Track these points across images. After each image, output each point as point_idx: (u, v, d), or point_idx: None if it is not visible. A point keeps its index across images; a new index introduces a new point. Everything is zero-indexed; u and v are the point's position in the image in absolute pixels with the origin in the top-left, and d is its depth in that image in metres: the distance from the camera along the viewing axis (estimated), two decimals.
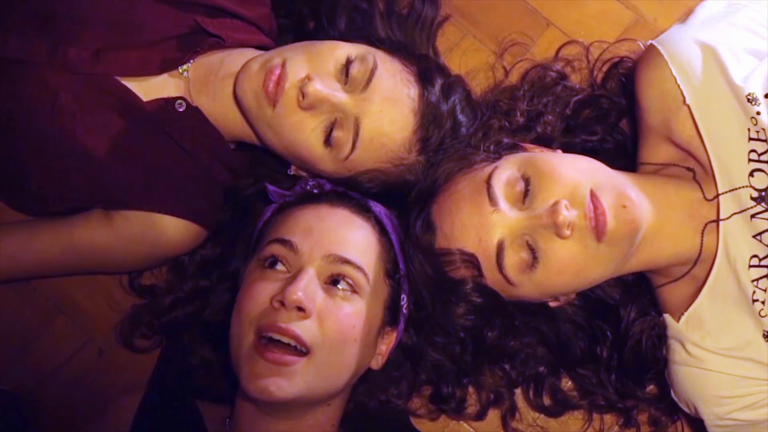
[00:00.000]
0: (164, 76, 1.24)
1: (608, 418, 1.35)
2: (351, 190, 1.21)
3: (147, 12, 1.24)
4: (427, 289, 1.16)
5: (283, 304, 1.02)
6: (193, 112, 1.23)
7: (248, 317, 1.05)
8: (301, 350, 1.03)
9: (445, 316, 1.17)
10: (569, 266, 1.09)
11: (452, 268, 1.13)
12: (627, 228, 1.08)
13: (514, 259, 1.09)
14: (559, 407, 1.33)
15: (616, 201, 1.07)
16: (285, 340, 1.02)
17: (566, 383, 1.35)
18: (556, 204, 1.06)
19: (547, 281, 1.11)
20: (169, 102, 1.23)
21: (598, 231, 1.06)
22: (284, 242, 1.09)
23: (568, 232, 1.05)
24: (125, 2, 1.23)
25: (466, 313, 1.16)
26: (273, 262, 1.08)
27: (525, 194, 1.09)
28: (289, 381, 1.02)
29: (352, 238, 1.11)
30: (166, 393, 1.22)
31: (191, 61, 1.25)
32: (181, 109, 1.23)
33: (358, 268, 1.08)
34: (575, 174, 1.10)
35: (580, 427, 1.35)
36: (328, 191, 1.18)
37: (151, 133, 1.23)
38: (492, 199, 1.09)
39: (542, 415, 1.35)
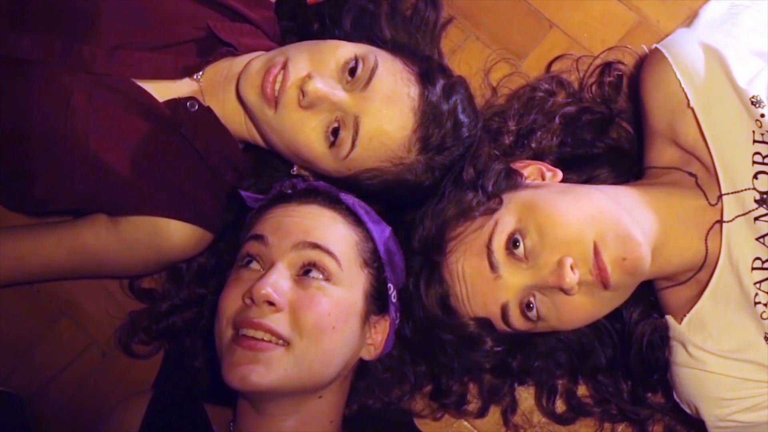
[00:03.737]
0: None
1: (621, 428, 1.35)
2: (351, 189, 1.21)
3: (161, 11, 1.24)
4: (449, 343, 1.18)
5: (253, 300, 1.03)
6: (205, 111, 1.24)
7: (225, 316, 1.06)
8: (278, 342, 1.03)
9: (468, 360, 1.20)
10: (580, 314, 1.12)
11: (469, 329, 1.15)
12: (630, 277, 1.10)
13: (522, 315, 1.11)
14: (572, 414, 1.34)
15: (617, 254, 1.07)
16: (259, 335, 1.03)
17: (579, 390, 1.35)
18: (561, 266, 1.06)
19: (560, 326, 1.14)
20: (181, 102, 1.23)
21: (605, 285, 1.07)
22: (256, 237, 1.10)
23: (574, 291, 1.07)
24: (138, 0, 1.23)
25: (487, 357, 1.19)
26: (248, 261, 1.09)
27: (527, 252, 1.09)
28: (268, 368, 1.02)
29: (320, 226, 1.11)
30: (174, 396, 1.22)
31: (205, 68, 1.26)
32: (193, 109, 1.23)
33: (328, 252, 1.08)
34: (578, 225, 1.09)
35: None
36: (299, 190, 1.18)
37: (164, 135, 1.23)
38: (493, 267, 1.11)
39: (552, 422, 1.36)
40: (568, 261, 1.06)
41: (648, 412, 1.31)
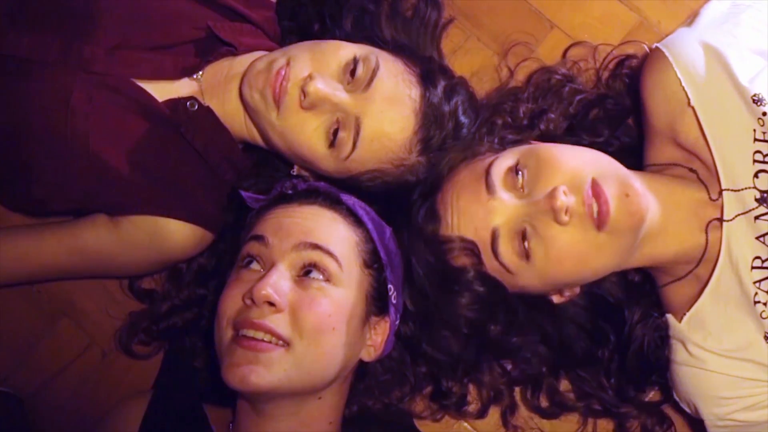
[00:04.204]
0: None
1: (601, 423, 1.35)
2: (351, 190, 1.21)
3: (160, 11, 1.24)
4: (430, 279, 1.16)
5: (253, 300, 1.03)
6: (205, 111, 1.24)
7: (225, 317, 1.06)
8: (278, 343, 1.03)
9: (449, 308, 1.17)
10: (569, 254, 1.09)
11: (453, 256, 1.13)
12: (630, 219, 1.07)
13: (510, 246, 1.10)
14: (556, 408, 1.33)
15: (619, 190, 1.07)
16: (259, 336, 1.03)
17: (563, 385, 1.34)
18: (554, 190, 1.06)
19: (547, 270, 1.11)
20: (181, 102, 1.23)
21: (601, 219, 1.05)
22: (257, 238, 1.10)
23: (566, 218, 1.05)
24: (139, 0, 1.23)
25: (469, 304, 1.16)
26: (248, 261, 1.09)
27: (525, 182, 1.10)
28: (268, 368, 1.01)
29: (322, 227, 1.11)
30: (173, 396, 1.22)
31: (204, 68, 1.26)
32: (193, 109, 1.23)
33: (329, 253, 1.08)
34: (576, 162, 1.10)
35: (573, 430, 1.35)
36: (300, 191, 1.18)
37: (164, 134, 1.23)
38: (489, 187, 1.10)
39: (537, 416, 1.35)
40: (562, 187, 1.06)
41: (628, 409, 1.30)
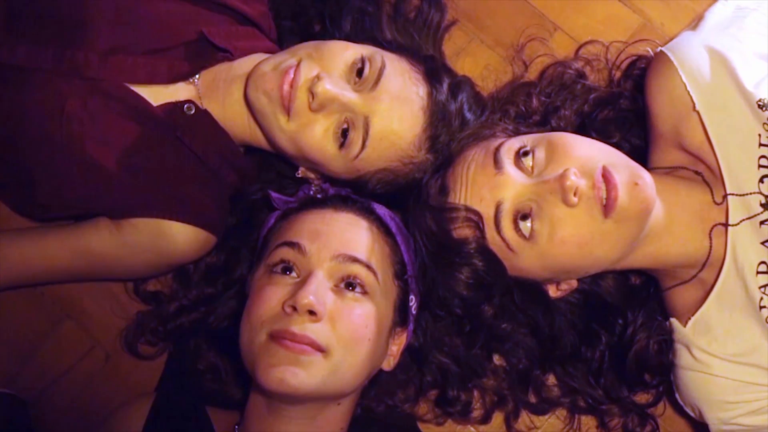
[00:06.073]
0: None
1: (585, 419, 1.35)
2: (358, 192, 1.21)
3: (153, 14, 1.23)
4: (430, 249, 1.16)
5: (295, 308, 1.02)
6: (202, 115, 1.23)
7: (259, 321, 1.05)
8: (318, 348, 1.03)
9: (446, 283, 1.16)
10: (573, 236, 1.07)
11: (457, 227, 1.13)
12: (638, 206, 1.06)
13: (513, 223, 1.09)
14: (543, 404, 1.33)
15: (629, 178, 1.06)
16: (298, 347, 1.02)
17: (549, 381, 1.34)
18: (565, 170, 1.06)
19: (548, 251, 1.09)
20: (178, 106, 1.22)
21: (609, 205, 1.05)
22: (292, 245, 1.09)
23: (574, 199, 1.05)
24: (130, 3, 1.22)
25: (467, 279, 1.15)
26: (284, 267, 1.08)
27: (535, 164, 1.10)
28: (307, 372, 1.01)
29: (360, 238, 1.11)
30: (176, 399, 1.22)
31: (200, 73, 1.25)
32: (190, 113, 1.22)
33: (367, 266, 1.08)
34: (588, 150, 1.10)
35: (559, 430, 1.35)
36: (332, 196, 1.19)
37: (160, 139, 1.22)
38: (497, 163, 1.10)
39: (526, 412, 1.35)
40: (572, 169, 1.06)
41: (613, 407, 1.30)
